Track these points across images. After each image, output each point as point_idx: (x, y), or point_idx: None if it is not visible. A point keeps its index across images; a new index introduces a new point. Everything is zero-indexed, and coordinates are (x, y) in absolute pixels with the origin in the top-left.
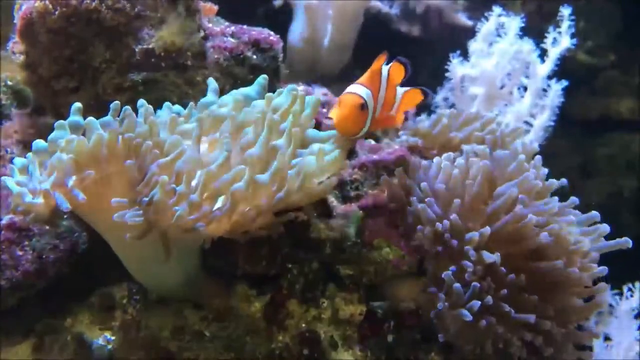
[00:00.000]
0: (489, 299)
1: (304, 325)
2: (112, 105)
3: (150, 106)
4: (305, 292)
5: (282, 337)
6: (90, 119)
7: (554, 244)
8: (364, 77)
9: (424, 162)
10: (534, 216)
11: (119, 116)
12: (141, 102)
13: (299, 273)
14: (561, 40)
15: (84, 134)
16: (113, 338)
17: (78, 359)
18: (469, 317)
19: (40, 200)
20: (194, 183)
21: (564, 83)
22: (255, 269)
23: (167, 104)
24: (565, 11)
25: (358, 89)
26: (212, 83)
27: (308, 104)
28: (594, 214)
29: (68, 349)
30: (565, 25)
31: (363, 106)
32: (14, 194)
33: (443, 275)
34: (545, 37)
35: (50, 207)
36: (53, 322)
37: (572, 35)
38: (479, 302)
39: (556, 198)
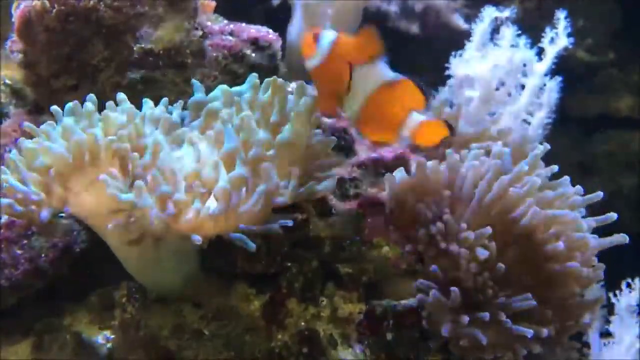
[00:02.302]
0: (486, 314)
1: (303, 323)
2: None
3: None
4: (305, 290)
5: (281, 336)
6: (69, 121)
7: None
8: None
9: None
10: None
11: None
12: (121, 96)
13: (298, 272)
14: (558, 40)
15: None
16: (112, 337)
17: (77, 358)
18: (446, 333)
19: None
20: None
21: (558, 79)
22: (254, 267)
23: (163, 100)
24: (561, 14)
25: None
26: (196, 84)
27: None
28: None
29: (67, 348)
30: (561, 26)
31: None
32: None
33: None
34: (544, 34)
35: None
36: (52, 321)
37: (569, 35)
38: (468, 318)
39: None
